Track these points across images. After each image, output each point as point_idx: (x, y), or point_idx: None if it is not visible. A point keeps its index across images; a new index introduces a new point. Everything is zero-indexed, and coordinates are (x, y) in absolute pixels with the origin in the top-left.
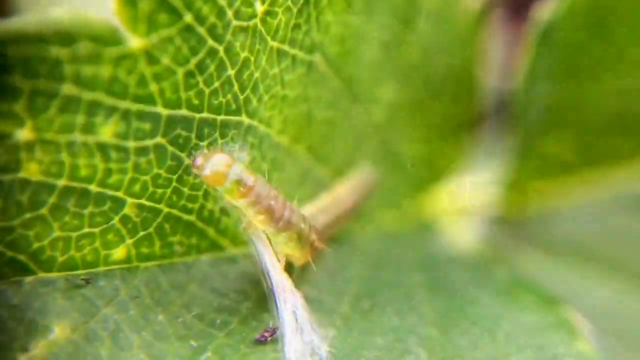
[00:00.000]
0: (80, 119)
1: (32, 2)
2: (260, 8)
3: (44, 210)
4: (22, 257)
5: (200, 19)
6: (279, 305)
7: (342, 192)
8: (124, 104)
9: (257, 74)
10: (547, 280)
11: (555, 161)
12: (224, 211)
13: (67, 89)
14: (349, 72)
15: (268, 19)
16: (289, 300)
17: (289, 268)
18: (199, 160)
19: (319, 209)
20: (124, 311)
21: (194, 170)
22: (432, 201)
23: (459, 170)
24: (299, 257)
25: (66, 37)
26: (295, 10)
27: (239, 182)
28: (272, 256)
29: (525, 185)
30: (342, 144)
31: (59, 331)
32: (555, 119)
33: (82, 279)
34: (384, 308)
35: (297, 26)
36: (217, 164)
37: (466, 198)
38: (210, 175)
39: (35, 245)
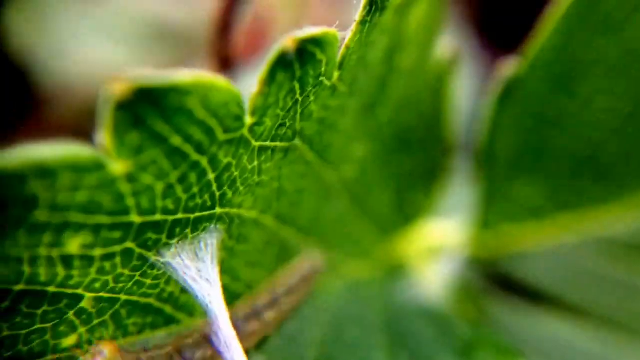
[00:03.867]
0: (47, 237)
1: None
2: (249, 120)
3: None
4: None
5: (187, 139)
6: None
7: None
8: (96, 219)
9: (236, 173)
10: (515, 323)
11: (524, 205)
12: (183, 291)
13: (39, 214)
14: (325, 143)
15: (255, 127)
16: None
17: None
18: None
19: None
20: None
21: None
22: (402, 245)
23: (428, 214)
24: None
25: (47, 171)
26: (282, 114)
27: None
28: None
29: (495, 228)
30: (310, 205)
31: None
32: (524, 164)
33: None
34: None
35: (282, 125)
36: None
37: (436, 241)
38: None
39: None
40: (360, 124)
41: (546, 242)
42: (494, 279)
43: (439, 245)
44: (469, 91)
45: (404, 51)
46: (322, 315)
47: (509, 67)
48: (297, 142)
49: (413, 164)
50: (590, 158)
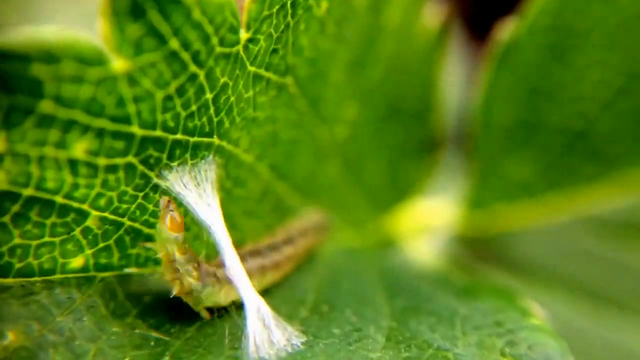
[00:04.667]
0: (53, 135)
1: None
2: (244, 35)
3: (5, 218)
4: None
5: (185, 45)
6: (242, 297)
7: (289, 235)
8: (100, 123)
9: (232, 98)
10: None
11: (516, 182)
12: (184, 226)
13: (45, 106)
14: (316, 92)
15: (250, 45)
16: (252, 298)
17: None
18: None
19: (254, 251)
20: (79, 320)
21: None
22: (394, 220)
23: (421, 190)
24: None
25: (51, 56)
26: (275, 36)
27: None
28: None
29: (487, 206)
30: (304, 161)
31: (12, 337)
32: (516, 140)
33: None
34: (343, 310)
35: (275, 51)
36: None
37: (428, 218)
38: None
39: None
40: (350, 80)
41: (537, 221)
42: (485, 257)
43: (430, 223)
44: (456, 82)
45: (389, 5)
46: (319, 269)
47: (507, 29)
48: (289, 80)
49: (405, 135)
50: (582, 134)
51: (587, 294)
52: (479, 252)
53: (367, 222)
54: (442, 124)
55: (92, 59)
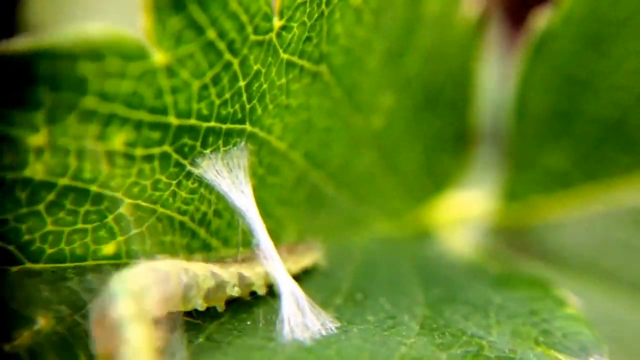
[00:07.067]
0: (94, 128)
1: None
2: (277, 23)
3: (40, 206)
4: (10, 247)
5: (221, 34)
6: (277, 282)
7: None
8: (138, 115)
9: (265, 85)
10: None
11: (551, 173)
12: (216, 213)
13: (88, 102)
14: (351, 81)
15: (283, 33)
16: (286, 283)
17: None
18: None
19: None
20: None
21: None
22: (430, 212)
23: (457, 182)
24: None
25: (96, 54)
26: (309, 24)
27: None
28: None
29: (522, 197)
30: (339, 149)
31: (43, 322)
32: (551, 130)
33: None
34: (377, 298)
35: (308, 39)
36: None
37: (464, 209)
38: None
39: (26, 237)
40: (387, 70)
41: (573, 212)
42: (521, 248)
43: (466, 215)
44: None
45: None
46: (354, 259)
47: (542, 19)
48: (323, 68)
49: (442, 125)
50: (618, 125)
51: (623, 285)
52: (515, 243)
53: (402, 213)
54: (479, 115)
55: (134, 54)
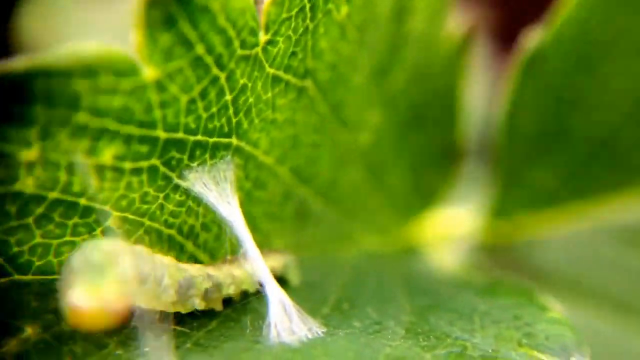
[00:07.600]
0: (85, 143)
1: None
2: (263, 37)
3: (29, 219)
4: None
5: (209, 49)
6: (265, 289)
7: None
8: (128, 129)
9: (251, 99)
10: None
11: (539, 191)
12: (204, 226)
13: (81, 117)
14: (337, 97)
15: (269, 47)
16: (274, 290)
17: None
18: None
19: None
20: None
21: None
22: (417, 228)
23: (444, 199)
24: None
25: (90, 70)
26: (294, 38)
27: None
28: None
29: (510, 215)
30: (326, 165)
31: (30, 331)
32: (540, 148)
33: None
34: (364, 307)
35: (294, 53)
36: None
37: (451, 226)
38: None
39: (15, 249)
40: (373, 86)
41: (560, 230)
42: (508, 265)
43: (453, 231)
44: (482, 92)
45: (414, 14)
46: (341, 270)
47: (532, 38)
48: (309, 83)
49: (428, 142)
50: (606, 143)
51: (610, 303)
52: (502, 260)
53: (390, 229)
54: (466, 132)
55: (125, 70)
